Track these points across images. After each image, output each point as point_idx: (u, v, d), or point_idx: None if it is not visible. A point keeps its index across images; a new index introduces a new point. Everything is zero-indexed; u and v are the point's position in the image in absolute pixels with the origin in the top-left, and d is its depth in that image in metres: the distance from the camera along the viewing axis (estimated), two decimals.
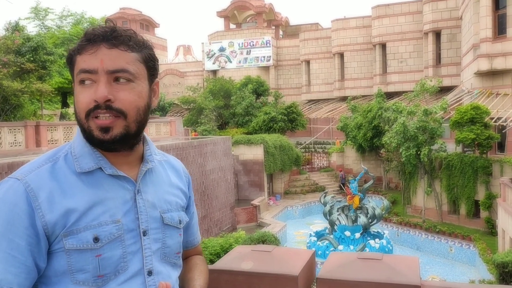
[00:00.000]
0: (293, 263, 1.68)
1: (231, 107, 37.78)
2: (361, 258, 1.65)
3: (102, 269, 1.13)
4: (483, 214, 19.44)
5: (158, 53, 62.36)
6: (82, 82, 1.15)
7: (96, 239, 1.12)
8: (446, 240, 18.99)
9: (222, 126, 38.67)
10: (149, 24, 59.88)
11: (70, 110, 30.84)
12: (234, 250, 1.89)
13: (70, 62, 1.19)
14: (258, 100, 38.56)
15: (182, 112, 45.30)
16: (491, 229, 18.59)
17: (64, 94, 27.89)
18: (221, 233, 17.91)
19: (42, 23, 28.28)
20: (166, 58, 59.58)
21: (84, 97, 1.14)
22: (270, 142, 26.23)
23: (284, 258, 1.73)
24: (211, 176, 20.84)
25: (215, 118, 36.70)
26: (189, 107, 41.62)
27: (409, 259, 1.67)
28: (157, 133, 21.83)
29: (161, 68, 51.31)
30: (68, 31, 27.07)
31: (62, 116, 26.92)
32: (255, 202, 24.21)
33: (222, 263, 1.75)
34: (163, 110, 37.88)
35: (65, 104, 28.94)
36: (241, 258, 1.75)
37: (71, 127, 17.42)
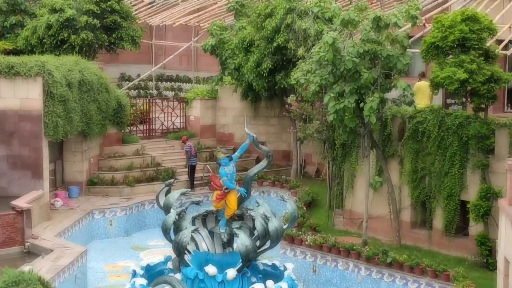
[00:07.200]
0: None
1: None
2: None
3: None
4: (475, 228, 13.85)
5: None
6: None
7: None
8: (404, 281, 12.85)
9: None
10: None
11: None
12: None
13: None
14: None
15: None
16: (487, 257, 13.22)
17: None
18: None
19: None
20: None
21: None
22: (58, 74, 17.18)
23: None
24: None
25: None
26: None
27: None
28: None
29: None
30: None
31: None
32: (21, 203, 15.22)
33: None
34: None
35: None
36: None
37: None
